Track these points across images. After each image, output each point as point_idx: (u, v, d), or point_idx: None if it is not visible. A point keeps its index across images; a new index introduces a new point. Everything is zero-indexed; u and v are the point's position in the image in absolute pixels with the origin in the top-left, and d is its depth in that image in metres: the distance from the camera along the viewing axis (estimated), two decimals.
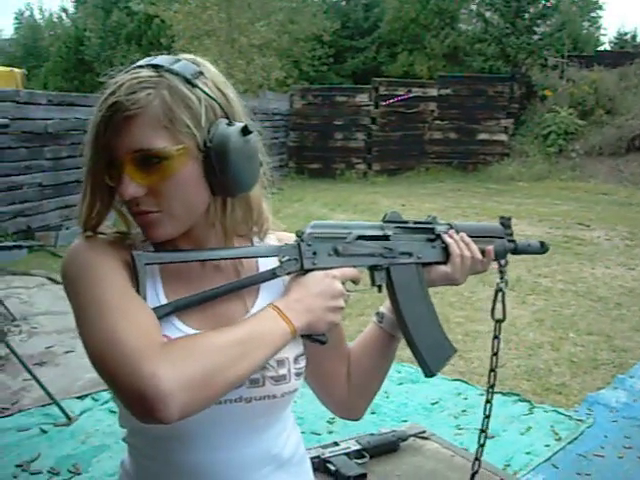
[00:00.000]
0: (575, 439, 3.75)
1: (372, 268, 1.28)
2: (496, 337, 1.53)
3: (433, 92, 18.54)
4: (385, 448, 2.05)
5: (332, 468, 1.92)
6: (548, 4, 21.87)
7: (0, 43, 40.14)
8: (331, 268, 1.19)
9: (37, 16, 38.64)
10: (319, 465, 1.95)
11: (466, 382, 4.47)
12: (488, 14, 22.62)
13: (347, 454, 1.99)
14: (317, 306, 1.14)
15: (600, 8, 29.08)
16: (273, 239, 1.30)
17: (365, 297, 6.40)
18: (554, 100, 17.80)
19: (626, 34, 30.40)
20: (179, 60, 1.11)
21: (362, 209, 12.36)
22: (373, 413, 3.96)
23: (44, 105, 8.81)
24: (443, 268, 1.36)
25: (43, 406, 4.03)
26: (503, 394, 4.30)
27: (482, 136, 18.51)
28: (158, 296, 1.12)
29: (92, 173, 1.09)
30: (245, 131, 1.10)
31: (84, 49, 27.52)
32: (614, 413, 4.09)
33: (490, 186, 15.96)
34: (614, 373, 4.70)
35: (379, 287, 1.30)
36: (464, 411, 4.04)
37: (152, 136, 1.04)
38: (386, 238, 1.28)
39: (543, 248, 1.60)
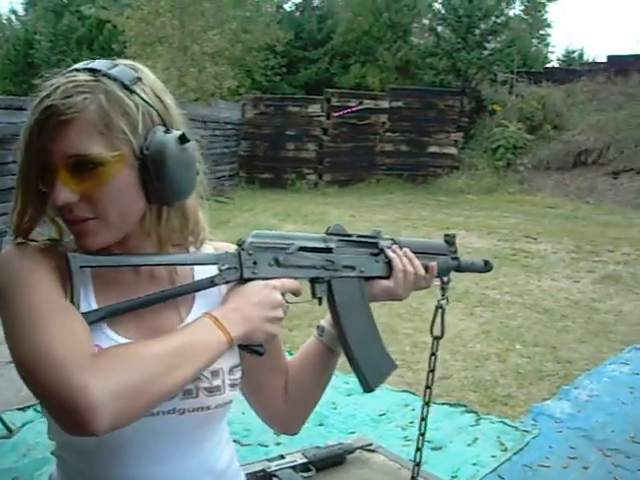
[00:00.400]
0: (521, 450, 3.78)
1: (313, 280, 1.26)
2: (433, 354, 1.54)
3: (384, 104, 18.67)
4: (331, 461, 2.03)
5: None
6: (498, 21, 22.24)
7: None
8: (271, 278, 1.17)
9: None
10: (264, 478, 1.92)
11: (414, 393, 4.48)
12: (440, 29, 22.90)
13: (293, 467, 1.96)
14: (255, 316, 1.12)
15: (549, 26, 29.60)
16: (210, 249, 1.28)
17: (315, 308, 6.35)
18: (503, 115, 18.08)
19: (574, 52, 31.04)
20: (117, 65, 1.09)
21: (313, 220, 12.36)
22: (321, 425, 3.94)
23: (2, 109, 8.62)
24: (385, 283, 1.36)
25: None
26: (450, 405, 4.32)
27: (432, 149, 18.70)
28: (90, 305, 1.09)
29: (24, 178, 1.06)
30: (182, 139, 1.09)
31: (34, 53, 27.07)
32: (559, 424, 4.14)
33: (440, 198, 16.10)
34: (559, 384, 4.76)
35: (319, 299, 1.28)
36: (411, 422, 4.04)
37: (88, 141, 1.01)
38: (329, 250, 1.27)
39: (486, 267, 1.60)
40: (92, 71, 1.05)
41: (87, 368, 0.92)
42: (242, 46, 20.99)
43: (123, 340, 1.07)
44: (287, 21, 25.99)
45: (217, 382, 1.15)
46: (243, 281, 1.16)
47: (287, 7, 29.11)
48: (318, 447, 2.07)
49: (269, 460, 1.96)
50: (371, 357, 1.32)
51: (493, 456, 3.70)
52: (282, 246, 1.20)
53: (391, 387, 4.54)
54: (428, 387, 1.55)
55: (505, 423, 4.11)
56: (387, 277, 1.36)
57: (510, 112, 17.98)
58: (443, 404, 4.32)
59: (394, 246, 1.38)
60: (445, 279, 1.49)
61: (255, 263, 1.16)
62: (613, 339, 5.77)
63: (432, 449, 3.67)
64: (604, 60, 20.76)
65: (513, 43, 21.81)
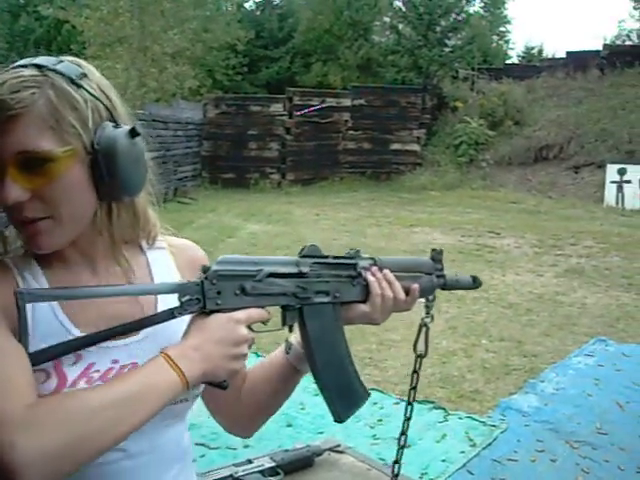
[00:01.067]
0: (489, 444, 3.78)
1: (284, 307, 1.19)
2: (415, 372, 1.48)
3: (347, 102, 18.71)
4: (300, 464, 1.99)
5: None
6: (459, 18, 22.39)
7: None
8: (237, 309, 1.09)
9: None
10: None
11: (381, 391, 4.47)
12: (401, 27, 22.98)
13: (261, 472, 1.92)
14: (216, 354, 1.05)
15: (508, 23, 30.01)
16: (163, 244, 1.25)
17: (279, 310, 6.35)
18: (465, 111, 18.22)
19: (533, 48, 31.44)
20: (62, 61, 1.05)
21: (276, 219, 12.33)
22: (289, 426, 3.91)
23: None
24: (362, 307, 1.29)
25: None
26: (418, 402, 4.31)
27: (395, 146, 18.77)
28: (57, 315, 1.05)
29: None
30: (133, 133, 1.06)
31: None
32: (526, 417, 4.15)
33: (403, 195, 16.16)
34: (525, 378, 4.79)
35: (290, 327, 1.22)
36: (380, 420, 4.03)
37: (37, 137, 0.97)
38: (301, 275, 1.19)
39: (475, 283, 1.51)
40: (38, 67, 1.01)
41: (19, 425, 0.88)
42: (203, 45, 20.87)
43: (80, 334, 1.04)
44: (248, 20, 25.92)
45: None
46: (207, 312, 1.08)
47: (247, 6, 29.12)
48: (286, 450, 2.03)
49: (236, 465, 1.92)
50: (342, 387, 1.26)
51: (462, 452, 3.70)
52: (249, 273, 1.12)
53: None
54: (410, 404, 1.51)
55: (473, 418, 4.11)
56: (364, 301, 1.28)
57: (471, 108, 18.14)
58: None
59: (373, 268, 1.29)
60: (430, 297, 1.42)
61: (219, 293, 1.08)
62: (577, 332, 5.82)
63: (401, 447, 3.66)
64: (563, 56, 21.03)
65: (473, 40, 21.99)
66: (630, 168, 14.63)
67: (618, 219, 12.78)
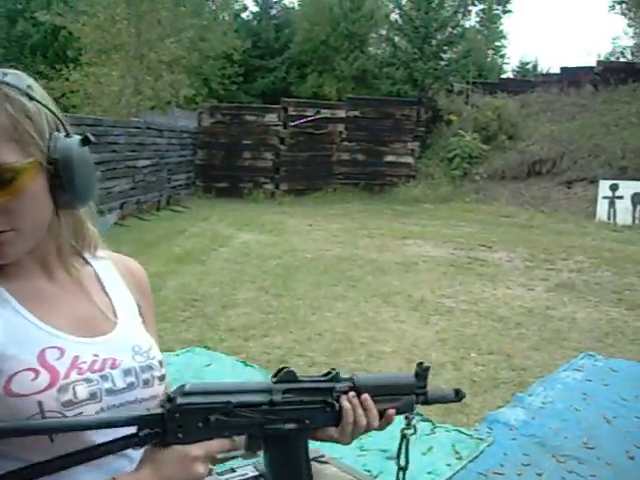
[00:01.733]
0: (476, 458, 3.77)
1: (249, 435, 1.16)
2: None
3: (341, 114, 18.75)
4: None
5: None
6: (455, 32, 22.48)
7: None
8: (197, 441, 1.06)
9: None
10: None
11: None
12: (397, 39, 23.06)
13: None
14: None
15: (504, 37, 30.20)
16: (104, 254, 1.27)
17: (269, 318, 6.35)
18: (459, 124, 18.29)
19: (528, 63, 31.64)
20: (7, 73, 1.05)
21: (269, 229, 12.32)
22: None
23: None
24: (332, 430, 1.26)
25: None
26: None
27: (389, 158, 18.82)
28: (27, 317, 1.06)
29: None
30: (85, 142, 1.08)
31: None
32: (513, 431, 4.14)
33: (396, 207, 16.18)
34: (513, 391, 4.78)
35: (254, 451, 1.19)
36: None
37: (2, 150, 0.98)
38: (271, 404, 1.15)
39: (457, 396, 1.47)
40: None
41: None
42: (199, 54, 20.94)
43: (62, 335, 1.06)
44: (244, 30, 26.00)
45: (163, 371, 1.18)
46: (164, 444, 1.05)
47: (244, 16, 29.16)
48: None
49: (219, 474, 1.91)
50: None
51: (448, 464, 3.68)
52: (215, 406, 1.08)
53: None
54: None
55: (460, 431, 4.10)
56: (335, 425, 1.25)
57: (466, 122, 18.19)
58: (398, 414, 4.30)
59: (350, 394, 1.24)
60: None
61: (181, 427, 1.04)
62: (567, 346, 5.82)
63: (387, 459, 3.65)
64: (557, 72, 21.15)
65: (469, 54, 22.08)
66: (622, 184, 14.70)
67: (610, 234, 12.81)
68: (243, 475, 1.95)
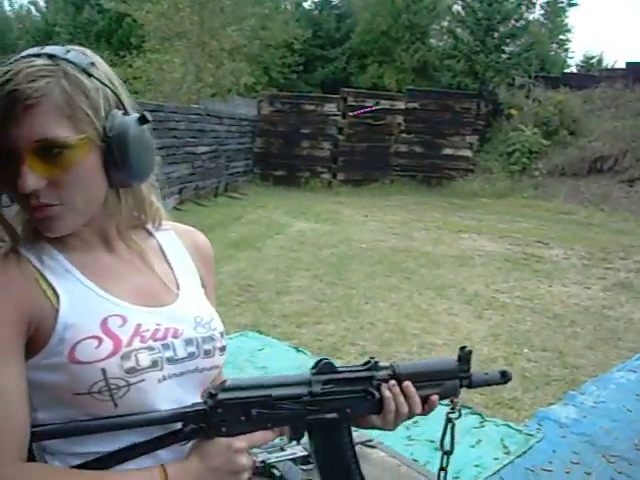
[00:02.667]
0: (524, 453, 3.76)
1: (291, 426, 1.19)
2: (442, 469, 1.46)
3: (401, 105, 18.65)
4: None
5: (277, 473, 1.91)
6: (518, 25, 22.18)
7: None
8: (240, 433, 1.11)
9: (6, 7, 38.06)
10: (264, 470, 1.93)
11: None
12: (459, 31, 22.87)
13: (293, 460, 1.97)
14: None
15: (569, 31, 29.61)
16: (168, 227, 1.31)
17: (323, 305, 6.40)
18: (519, 119, 18.03)
19: (592, 58, 31.02)
20: (70, 50, 1.08)
21: (325, 218, 12.37)
22: None
23: None
24: (374, 418, 1.27)
25: None
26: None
27: (447, 151, 18.67)
28: (89, 287, 1.10)
29: None
30: (142, 120, 1.09)
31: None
32: (563, 429, 4.12)
33: (453, 201, 16.07)
34: (565, 389, 4.74)
35: (298, 440, 1.23)
36: (415, 422, 4.03)
37: (54, 125, 1.00)
38: (312, 396, 1.18)
39: (503, 378, 1.42)
40: (50, 56, 1.05)
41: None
42: (260, 43, 21.04)
43: (125, 304, 1.10)
44: (305, 19, 26.05)
45: (224, 342, 1.20)
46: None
47: (306, 5, 29.23)
48: None
49: (269, 452, 1.97)
50: None
51: (496, 458, 3.68)
52: (256, 400, 1.12)
53: None
54: None
55: (509, 426, 4.09)
56: (377, 412, 1.26)
57: (527, 116, 17.94)
58: (447, 405, 4.32)
59: (391, 382, 1.25)
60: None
61: (224, 421, 1.10)
62: (622, 346, 5.74)
63: (436, 449, 3.67)
64: (623, 67, 20.68)
65: (532, 47, 21.77)
66: None
67: None
68: (292, 454, 2.00)
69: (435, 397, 1.30)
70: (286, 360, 4.77)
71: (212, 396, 1.10)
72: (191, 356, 1.14)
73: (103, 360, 1.02)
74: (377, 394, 1.24)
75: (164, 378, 1.09)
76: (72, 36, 26.65)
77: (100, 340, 1.03)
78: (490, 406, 4.42)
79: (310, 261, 8.52)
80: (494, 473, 3.51)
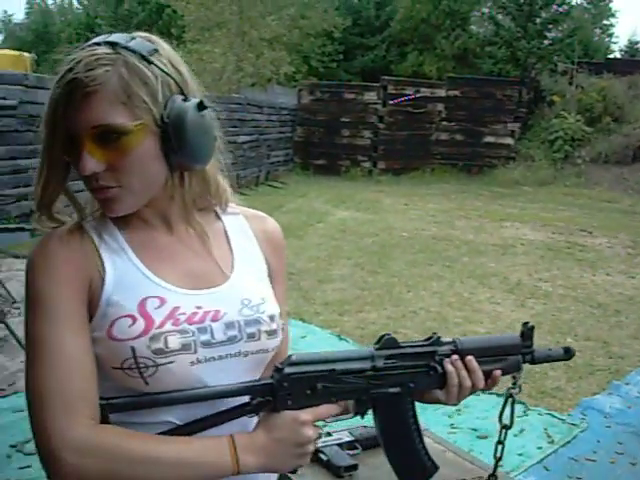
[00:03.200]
0: (568, 442, 3.75)
1: (356, 400, 1.21)
2: (500, 442, 1.48)
3: (441, 93, 18.54)
4: (377, 441, 2.05)
5: (324, 458, 1.93)
6: (560, 10, 21.83)
7: (11, 27, 40.13)
8: (306, 407, 1.13)
9: (49, 1, 38.57)
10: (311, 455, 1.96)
11: None
12: (500, 17, 22.59)
13: (339, 445, 1.99)
14: (279, 452, 1.11)
15: (613, 16, 29.09)
16: (237, 210, 1.33)
17: (364, 294, 6.42)
18: (562, 106, 17.79)
19: (637, 43, 30.40)
20: (134, 38, 1.12)
21: (365, 207, 12.37)
22: None
23: None
24: (437, 393, 1.28)
25: None
26: (498, 395, 4.30)
27: (488, 139, 18.50)
28: (137, 266, 1.14)
29: (48, 150, 1.10)
30: (201, 106, 1.12)
31: (94, 37, 27.47)
32: (608, 419, 4.09)
33: (494, 189, 15.95)
34: (610, 379, 4.71)
35: (362, 415, 1.24)
36: (458, 410, 4.04)
37: (111, 112, 1.05)
38: (374, 370, 1.20)
39: (568, 354, 1.42)
40: (111, 44, 1.08)
41: (73, 446, 1.00)
42: (299, 32, 21.04)
43: (169, 286, 1.13)
44: (345, 7, 25.98)
45: (274, 326, 1.20)
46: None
47: None
48: (365, 426, 2.09)
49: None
50: (411, 466, 1.29)
51: (539, 447, 3.68)
52: (321, 374, 1.14)
53: None
54: (493, 474, 1.58)
55: (553, 415, 4.08)
56: (440, 387, 1.27)
57: (569, 103, 17.69)
58: (491, 394, 4.31)
59: (453, 357, 1.26)
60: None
61: (290, 394, 1.12)
62: None
63: (478, 437, 3.68)
64: None
65: (575, 33, 21.42)
66: None
67: None
68: (339, 439, 2.02)
69: (498, 372, 1.30)
70: (328, 348, 4.77)
71: (278, 370, 1.12)
72: (232, 340, 1.15)
73: (133, 339, 1.06)
74: (440, 369, 1.25)
75: (198, 361, 1.10)
76: (113, 27, 26.89)
77: (134, 319, 1.07)
78: (533, 395, 4.40)
79: (351, 249, 8.54)
80: (538, 462, 3.51)
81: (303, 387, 1.13)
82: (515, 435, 3.82)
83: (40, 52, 25.76)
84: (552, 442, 3.75)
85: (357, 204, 12.71)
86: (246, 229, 1.31)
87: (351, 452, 1.98)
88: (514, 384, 1.38)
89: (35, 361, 1.05)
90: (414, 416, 1.27)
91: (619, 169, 16.43)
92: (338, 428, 2.11)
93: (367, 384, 1.19)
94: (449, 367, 1.25)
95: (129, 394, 1.08)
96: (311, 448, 1.13)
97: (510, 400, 1.40)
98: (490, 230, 10.45)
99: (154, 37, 1.16)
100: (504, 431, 1.44)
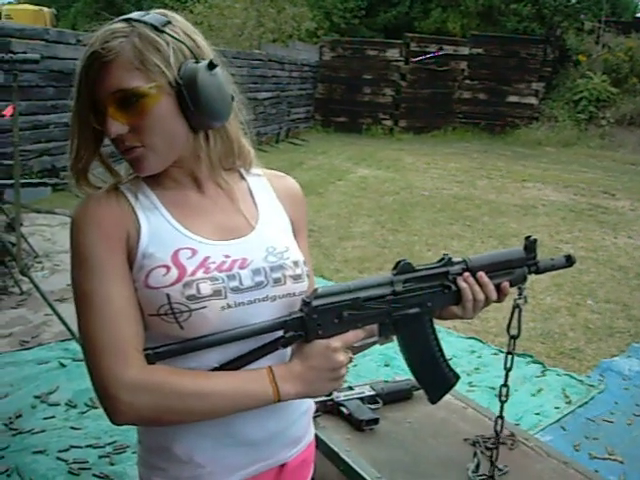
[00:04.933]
0: (585, 403, 3.77)
1: (380, 324, 1.30)
2: (509, 353, 1.55)
3: (465, 51, 18.32)
4: (398, 395, 2.08)
5: (345, 411, 1.96)
6: None
7: None
8: (336, 334, 1.22)
9: None
10: (332, 408, 1.98)
11: (481, 341, 4.50)
12: None
13: (361, 399, 2.02)
14: (315, 379, 1.20)
15: None
16: (260, 172, 1.41)
17: (385, 251, 6.42)
18: (588, 65, 17.54)
19: None
20: (148, 13, 1.21)
21: (386, 165, 12.32)
22: (387, 365, 4.00)
23: (73, 45, 8.74)
24: (454, 309, 1.37)
25: (63, 341, 4.13)
26: (517, 355, 4.30)
27: (512, 98, 18.30)
28: (165, 216, 1.23)
29: (79, 120, 1.19)
30: (211, 66, 1.19)
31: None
32: (626, 381, 4.10)
33: (517, 149, 15.82)
34: (629, 342, 4.71)
35: (387, 337, 1.32)
36: (477, 369, 4.07)
37: (127, 77, 1.14)
38: (395, 294, 1.29)
39: (568, 262, 1.53)
40: (127, 20, 1.18)
41: (127, 386, 1.11)
42: None
43: (197, 237, 1.22)
44: None
45: (298, 271, 1.28)
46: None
47: None
48: (386, 381, 2.12)
49: (338, 390, 2.02)
50: (434, 378, 1.39)
51: (557, 407, 3.70)
52: (346, 303, 1.23)
53: (458, 334, 4.58)
54: (505, 384, 1.66)
55: (571, 376, 4.09)
56: (456, 303, 1.36)
57: (595, 63, 17.43)
58: (509, 353, 4.33)
59: (465, 274, 1.35)
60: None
61: (319, 325, 1.21)
62: None
63: (496, 396, 3.70)
64: None
65: None
66: None
67: None
68: (361, 393, 2.05)
69: (506, 284, 1.39)
70: None
71: (306, 304, 1.21)
72: (259, 285, 1.23)
73: (168, 287, 1.15)
74: (454, 286, 1.34)
75: (228, 306, 1.18)
76: None
77: (168, 269, 1.16)
78: (552, 356, 4.42)
79: (372, 207, 8.53)
80: (555, 422, 3.53)
81: (331, 317, 1.21)
82: (533, 395, 3.84)
83: (59, 7, 25.64)
84: (570, 402, 3.77)
85: (378, 162, 12.65)
86: (268, 187, 1.39)
87: (372, 406, 2.00)
88: (520, 295, 1.45)
89: (87, 314, 1.16)
90: (434, 332, 1.36)
91: None
92: (360, 382, 2.13)
93: (389, 308, 1.28)
94: (462, 284, 1.34)
95: (167, 342, 1.16)
96: (343, 371, 1.22)
97: (517, 310, 1.47)
98: (512, 190, 10.38)
99: (170, 13, 1.25)
100: (512, 341, 1.52)
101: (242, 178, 1.38)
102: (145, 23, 1.16)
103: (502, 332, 4.56)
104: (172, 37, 1.17)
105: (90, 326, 1.15)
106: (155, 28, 1.16)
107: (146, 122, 1.16)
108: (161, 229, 1.21)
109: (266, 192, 1.38)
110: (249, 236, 1.27)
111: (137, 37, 1.14)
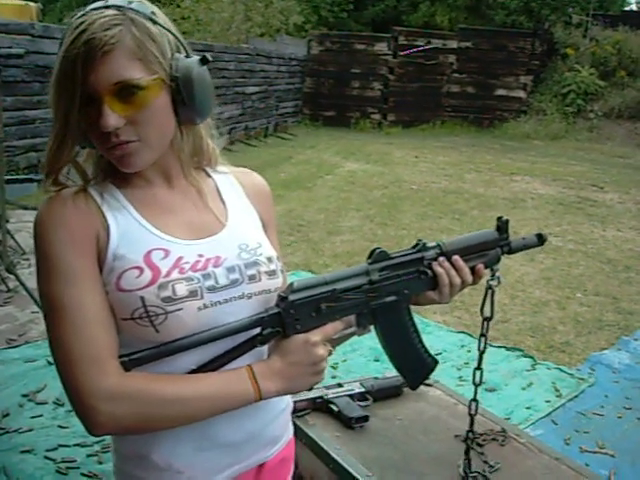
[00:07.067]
0: (576, 397, 3.77)
1: (357, 314, 1.29)
2: (483, 335, 1.54)
3: (453, 44, 18.31)
4: (388, 392, 2.07)
5: (335, 409, 1.94)
6: None
7: None
8: (314, 328, 1.20)
9: None
10: (322, 405, 1.97)
11: (471, 335, 4.49)
12: None
13: (350, 396, 2.00)
14: (296, 374, 1.19)
15: None
16: (226, 170, 1.39)
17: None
18: (576, 59, 17.57)
19: None
20: (132, 1, 1.15)
21: (375, 159, 12.31)
22: (377, 361, 3.99)
23: (59, 39, 8.63)
24: (431, 294, 1.37)
25: None
26: (507, 349, 4.32)
27: (500, 92, 18.32)
28: (139, 222, 1.19)
29: (65, 113, 1.12)
30: (203, 61, 1.18)
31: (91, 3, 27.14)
32: (616, 374, 4.11)
33: (505, 143, 15.84)
34: (618, 335, 4.71)
35: (365, 327, 1.31)
36: (467, 363, 4.06)
37: (129, 68, 1.09)
38: (371, 284, 1.28)
39: (540, 240, 1.53)
40: (117, 7, 1.12)
41: (105, 396, 1.07)
42: None
43: (168, 237, 1.19)
44: None
45: (273, 267, 1.26)
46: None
47: None
48: (376, 378, 2.11)
49: (326, 388, 2.01)
50: (413, 364, 1.39)
51: (547, 401, 3.69)
52: (323, 295, 1.22)
53: (448, 328, 4.57)
54: (478, 367, 1.64)
55: (561, 370, 4.09)
56: (433, 289, 1.36)
57: (583, 56, 17.47)
58: (500, 347, 4.33)
59: (440, 259, 1.35)
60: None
61: (297, 320, 1.19)
62: None
63: (486, 390, 3.70)
64: None
65: None
66: None
67: None
68: (350, 390, 2.03)
69: (481, 266, 1.39)
70: None
71: (283, 299, 1.19)
72: (234, 283, 1.20)
73: (142, 289, 1.11)
74: (430, 272, 1.33)
75: (205, 306, 1.15)
76: None
77: (141, 270, 1.13)
78: (542, 349, 4.42)
79: (360, 202, 8.51)
80: (546, 415, 3.53)
81: (308, 310, 1.20)
82: (523, 388, 3.84)
83: (45, 2, 25.46)
84: (560, 396, 3.77)
85: (366, 156, 12.64)
86: (236, 185, 1.38)
87: (362, 403, 1.99)
88: (492, 276, 1.45)
89: (58, 322, 1.10)
90: (411, 319, 1.36)
91: (632, 124, 16.28)
92: (349, 379, 2.12)
93: (366, 297, 1.27)
94: (438, 269, 1.34)
95: (140, 347, 1.13)
96: (324, 365, 1.21)
97: (490, 292, 1.47)
98: (500, 184, 10.39)
99: (146, 1, 1.20)
100: (486, 323, 1.51)
101: (208, 176, 1.35)
102: (137, 12, 1.12)
103: (492, 326, 4.56)
104: (163, 28, 1.15)
105: (63, 335, 1.10)
106: (148, 18, 1.13)
107: (145, 115, 1.12)
108: (131, 229, 1.17)
109: (234, 189, 1.36)
110: (220, 234, 1.25)
111: (134, 26, 1.10)
